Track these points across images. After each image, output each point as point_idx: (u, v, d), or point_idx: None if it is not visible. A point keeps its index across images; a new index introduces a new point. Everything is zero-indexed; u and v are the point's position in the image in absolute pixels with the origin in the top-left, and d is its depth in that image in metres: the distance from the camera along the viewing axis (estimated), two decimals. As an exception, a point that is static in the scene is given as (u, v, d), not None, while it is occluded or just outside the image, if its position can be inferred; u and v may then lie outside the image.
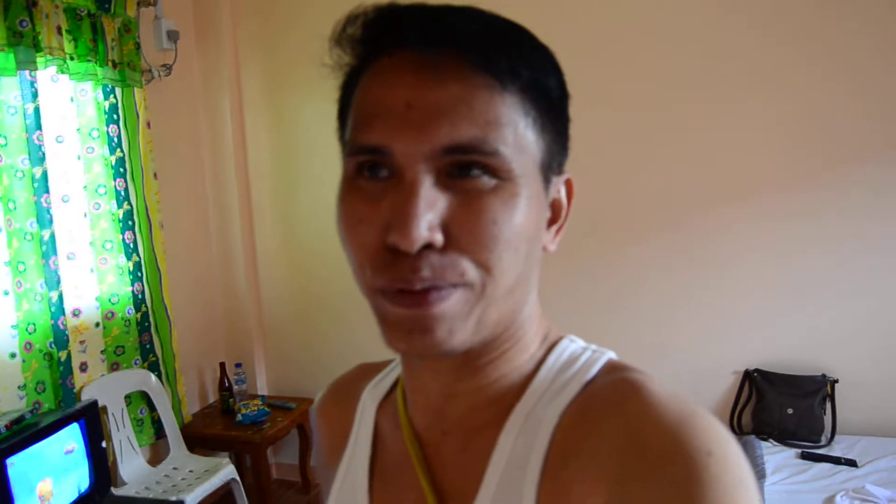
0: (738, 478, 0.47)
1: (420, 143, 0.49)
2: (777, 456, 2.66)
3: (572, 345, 0.61)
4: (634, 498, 0.47)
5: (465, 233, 0.49)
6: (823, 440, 2.75)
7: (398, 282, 0.50)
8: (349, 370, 0.77)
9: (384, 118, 0.50)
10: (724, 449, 0.48)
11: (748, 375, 2.94)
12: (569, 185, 0.59)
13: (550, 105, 0.54)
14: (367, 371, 0.74)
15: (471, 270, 0.50)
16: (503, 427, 0.57)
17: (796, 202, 2.83)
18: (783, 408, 2.79)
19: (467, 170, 0.49)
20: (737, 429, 2.93)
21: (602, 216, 3.06)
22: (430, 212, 0.48)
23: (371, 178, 0.51)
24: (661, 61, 2.93)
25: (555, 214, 0.59)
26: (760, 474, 2.52)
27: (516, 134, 0.50)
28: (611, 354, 0.60)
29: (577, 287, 3.14)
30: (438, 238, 0.49)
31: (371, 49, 0.53)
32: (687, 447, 0.47)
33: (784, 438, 2.78)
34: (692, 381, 2.98)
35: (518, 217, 0.51)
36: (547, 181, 0.55)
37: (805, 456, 2.65)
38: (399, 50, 0.51)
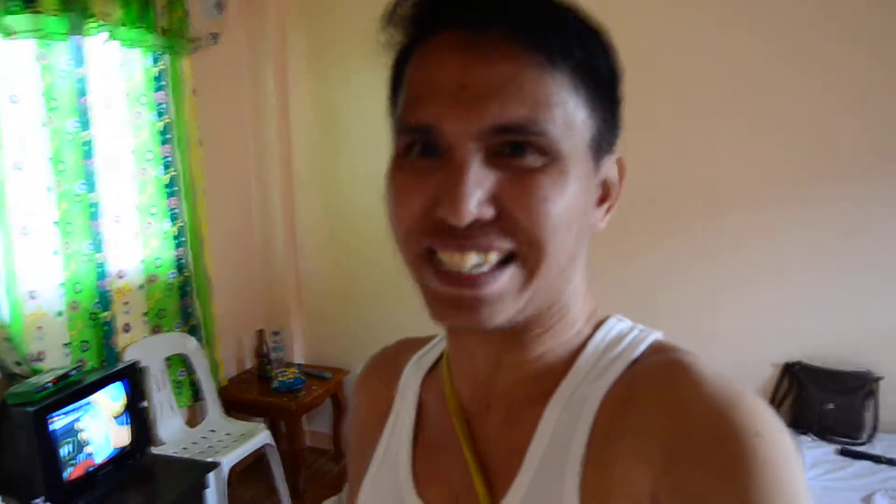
0: (786, 459, 0.47)
1: (469, 123, 0.49)
2: (815, 451, 2.61)
3: (620, 324, 0.62)
4: (681, 479, 0.47)
5: (517, 208, 0.49)
6: (864, 437, 2.68)
7: (448, 246, 0.50)
8: (391, 345, 0.78)
9: (434, 97, 0.50)
10: (771, 431, 0.48)
11: (789, 368, 2.88)
12: (620, 164, 0.59)
13: (601, 85, 0.54)
14: (410, 346, 0.75)
15: (523, 245, 0.50)
16: (548, 402, 0.57)
17: (846, 192, 2.74)
18: (824, 402, 2.73)
19: (516, 149, 0.50)
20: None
21: (650, 204, 3.01)
22: (479, 189, 0.49)
23: (421, 156, 0.52)
24: (716, 52, 2.84)
25: (605, 193, 0.59)
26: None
27: (566, 113, 0.50)
28: (658, 335, 0.60)
29: (620, 273, 3.10)
30: (488, 212, 0.49)
31: (422, 28, 0.54)
32: (735, 428, 0.47)
33: (823, 434, 2.72)
34: (731, 371, 2.90)
35: (568, 195, 0.51)
36: (597, 160, 0.55)
37: (844, 452, 2.59)
38: (450, 29, 0.51)
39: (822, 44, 2.70)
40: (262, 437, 3.08)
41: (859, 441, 2.67)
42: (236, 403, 3.36)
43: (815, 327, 2.85)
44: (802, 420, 2.79)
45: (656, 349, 0.58)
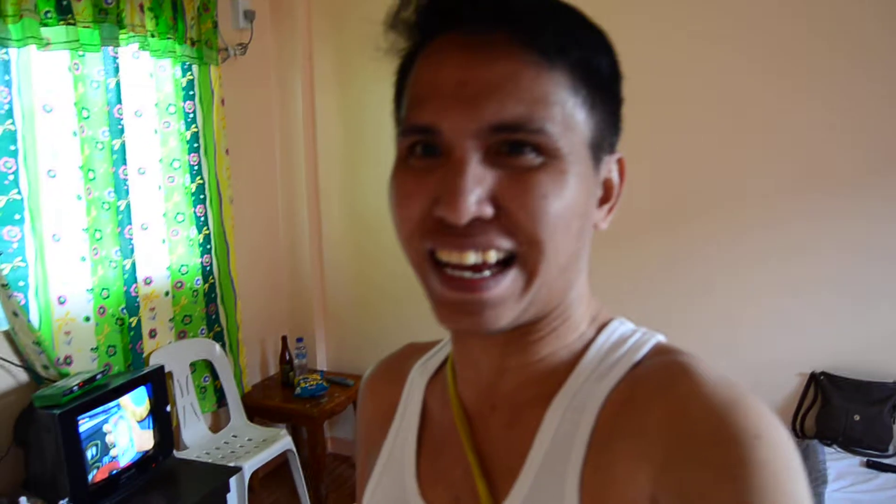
0: (787, 462, 0.47)
1: (467, 121, 0.50)
2: (840, 462, 2.56)
3: (622, 326, 0.62)
4: (680, 479, 0.47)
5: (515, 206, 0.50)
6: (890, 450, 2.63)
7: (448, 245, 0.51)
8: (398, 349, 0.79)
9: (434, 98, 0.51)
10: (772, 433, 0.47)
11: (814, 378, 2.83)
12: (621, 164, 0.59)
13: (601, 84, 0.54)
14: (416, 350, 0.76)
15: (522, 244, 0.51)
16: (550, 404, 0.58)
17: (872, 202, 2.70)
18: (850, 413, 2.69)
19: (515, 147, 0.50)
20: (799, 432, 2.84)
21: (674, 214, 3.00)
22: (477, 187, 0.49)
23: (422, 156, 0.53)
24: (735, 50, 2.83)
25: (607, 194, 0.59)
26: (822, 480, 2.43)
27: (564, 112, 0.51)
28: (660, 337, 0.60)
29: (643, 281, 3.09)
30: (487, 210, 0.50)
31: (424, 33, 0.55)
32: (734, 430, 0.47)
33: (849, 445, 2.67)
34: (755, 380, 2.88)
35: (567, 194, 0.51)
36: (597, 160, 0.55)
37: (870, 465, 2.54)
38: (450, 33, 0.52)
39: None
40: (283, 442, 3.10)
41: (887, 454, 2.62)
42: (259, 409, 3.40)
43: (841, 337, 2.80)
44: (828, 431, 2.74)
45: (659, 351, 0.58)
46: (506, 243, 0.51)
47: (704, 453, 0.47)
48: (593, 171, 0.55)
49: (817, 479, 2.43)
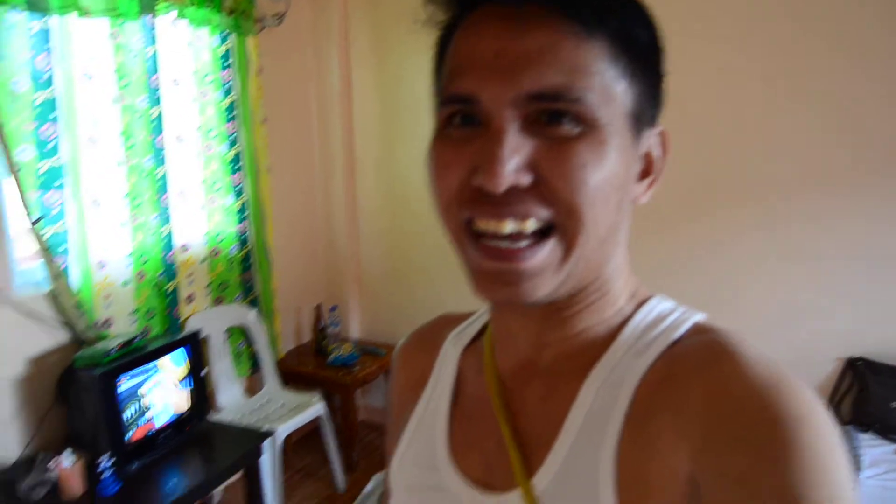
0: (830, 446, 0.46)
1: (506, 90, 0.50)
2: (876, 450, 2.51)
3: (661, 304, 0.61)
4: (721, 460, 0.47)
5: (554, 175, 0.50)
6: (930, 439, 2.57)
7: (485, 214, 0.51)
8: (431, 320, 0.80)
9: (473, 68, 0.52)
10: (815, 415, 0.47)
11: (851, 364, 2.77)
12: (663, 138, 0.59)
13: (640, 56, 0.54)
14: (449, 321, 0.77)
15: (561, 214, 0.51)
16: (586, 378, 0.58)
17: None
18: (887, 400, 2.62)
19: (553, 117, 0.50)
20: (835, 418, 2.78)
21: (712, 194, 2.94)
22: (515, 156, 0.49)
23: (461, 126, 0.53)
24: (779, 28, 2.73)
25: (647, 167, 0.58)
26: (856, 466, 2.39)
27: (603, 82, 0.51)
28: (700, 316, 0.59)
29: (682, 259, 3.04)
30: (525, 179, 0.50)
31: (463, 4, 0.55)
32: (778, 411, 0.46)
33: (886, 433, 2.61)
34: (791, 365, 2.80)
35: (606, 164, 0.51)
36: (637, 133, 0.55)
37: (906, 452, 2.49)
38: (489, 4, 0.52)
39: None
40: (316, 408, 3.16)
41: (924, 441, 2.56)
42: (293, 375, 3.46)
43: (883, 322, 2.73)
44: (864, 417, 2.68)
45: (699, 330, 0.57)
46: (544, 212, 0.51)
47: (746, 434, 0.47)
48: (633, 144, 0.54)
49: (851, 466, 2.38)
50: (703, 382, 0.51)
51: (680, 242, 3.02)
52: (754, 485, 0.45)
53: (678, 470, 0.50)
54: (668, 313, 0.60)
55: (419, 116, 3.54)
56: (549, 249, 0.51)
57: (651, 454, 0.51)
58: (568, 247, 0.52)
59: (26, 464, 2.29)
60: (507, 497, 0.59)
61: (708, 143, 2.89)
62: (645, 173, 0.58)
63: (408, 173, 3.67)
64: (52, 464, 2.20)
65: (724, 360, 0.51)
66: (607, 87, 0.51)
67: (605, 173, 0.51)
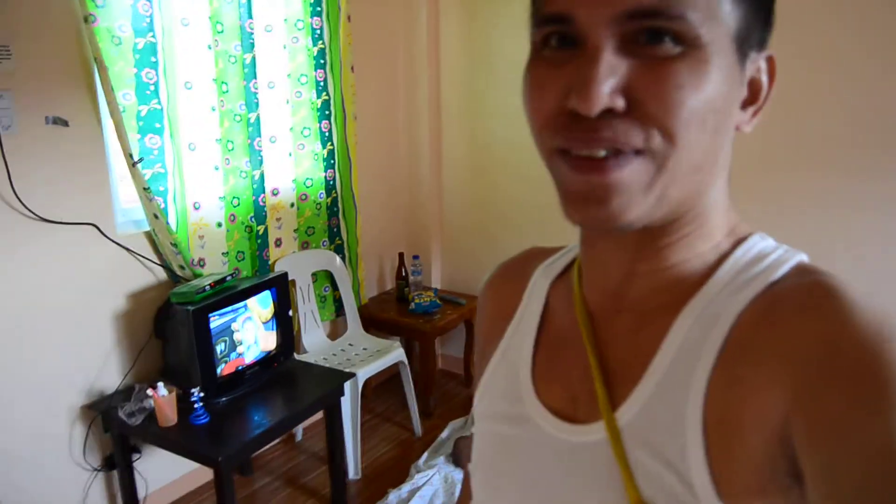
0: None
1: (603, 8, 0.48)
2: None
3: (763, 241, 0.59)
4: (820, 408, 0.45)
5: (649, 97, 0.48)
6: None
7: (577, 142, 0.50)
8: (521, 252, 0.79)
9: None
10: None
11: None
12: (771, 63, 0.55)
13: None
14: (539, 253, 0.76)
15: (654, 138, 0.48)
16: (680, 313, 0.56)
17: None
18: None
19: (653, 36, 0.48)
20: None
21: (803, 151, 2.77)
22: (611, 77, 0.47)
23: (557, 48, 0.51)
24: None
25: (753, 95, 0.55)
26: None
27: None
28: (803, 256, 0.56)
29: (798, 209, 2.89)
30: (619, 103, 0.48)
31: None
32: (883, 360, 0.44)
33: None
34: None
35: (706, 86, 0.48)
36: (743, 56, 0.51)
37: None
38: None
39: None
40: (396, 354, 3.22)
41: None
42: (375, 321, 3.54)
43: None
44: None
45: (802, 270, 0.54)
46: (636, 139, 0.48)
47: (849, 383, 0.44)
48: (737, 67, 0.51)
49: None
50: (805, 325, 0.48)
51: (778, 191, 2.86)
52: (853, 436, 0.43)
53: (771, 413, 0.48)
54: (770, 251, 0.57)
55: (506, 67, 3.47)
56: (638, 163, 0.49)
57: (743, 396, 0.50)
58: (659, 167, 0.49)
59: (125, 393, 2.45)
60: (589, 428, 0.59)
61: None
62: (750, 101, 0.55)
63: (492, 123, 3.62)
64: (148, 393, 2.34)
65: (828, 303, 0.48)
66: (711, 4, 0.48)
67: (704, 95, 0.48)
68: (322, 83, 3.19)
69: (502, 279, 0.77)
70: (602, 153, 0.49)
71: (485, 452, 0.69)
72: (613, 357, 0.60)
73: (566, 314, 0.66)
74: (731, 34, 0.49)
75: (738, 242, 0.58)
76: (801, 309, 0.50)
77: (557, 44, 0.51)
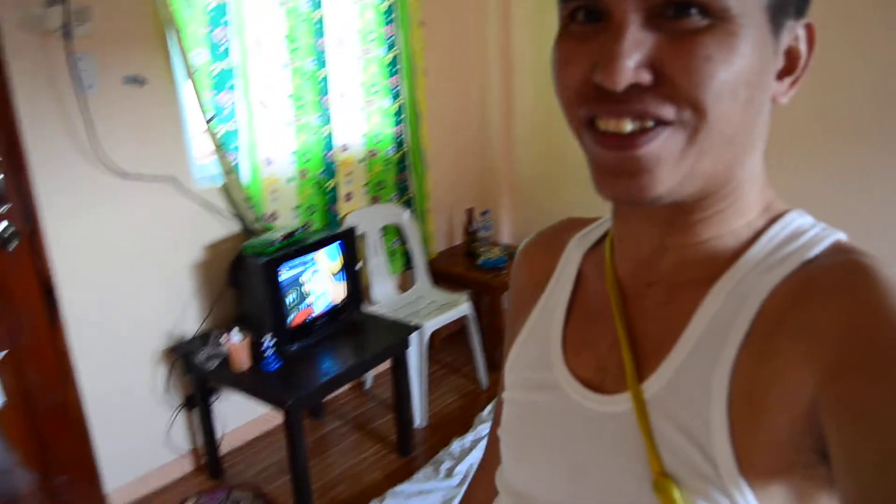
0: None
1: None
2: None
3: (800, 218, 0.58)
4: (851, 389, 0.44)
5: (676, 70, 0.47)
6: None
7: (604, 112, 0.50)
8: (556, 222, 0.80)
9: None
10: None
11: None
12: (810, 31, 0.53)
13: None
14: (574, 224, 0.76)
15: (685, 111, 0.48)
16: (711, 288, 0.56)
17: None
18: None
19: (680, 9, 0.47)
20: None
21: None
22: (636, 51, 0.47)
23: (584, 23, 0.51)
24: None
25: (790, 64, 0.53)
26: None
27: None
28: (841, 235, 0.55)
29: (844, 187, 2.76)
30: (646, 77, 0.48)
31: None
32: None
33: None
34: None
35: (736, 58, 0.47)
36: (777, 25, 0.50)
37: None
38: None
39: None
40: (463, 307, 3.27)
41: None
42: (443, 275, 3.59)
43: None
44: None
45: (839, 249, 0.53)
46: (665, 111, 0.48)
47: (882, 367, 0.44)
48: (771, 37, 0.50)
49: None
50: (839, 305, 0.47)
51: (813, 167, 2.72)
52: (877, 415, 0.42)
53: (799, 394, 0.48)
54: (807, 229, 0.56)
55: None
56: (667, 134, 0.49)
57: (771, 373, 0.49)
58: (689, 139, 0.49)
59: (202, 338, 2.60)
60: (616, 398, 0.59)
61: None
62: (787, 71, 0.53)
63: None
64: (223, 339, 2.48)
65: (865, 284, 0.47)
66: None
67: (734, 68, 0.47)
68: (391, 39, 3.20)
69: (537, 247, 0.78)
70: (629, 128, 0.49)
71: (514, 417, 0.70)
72: (643, 330, 0.61)
73: (598, 285, 0.66)
74: (764, 3, 0.48)
75: (774, 219, 0.58)
76: (834, 289, 0.49)
77: (584, 18, 0.51)
